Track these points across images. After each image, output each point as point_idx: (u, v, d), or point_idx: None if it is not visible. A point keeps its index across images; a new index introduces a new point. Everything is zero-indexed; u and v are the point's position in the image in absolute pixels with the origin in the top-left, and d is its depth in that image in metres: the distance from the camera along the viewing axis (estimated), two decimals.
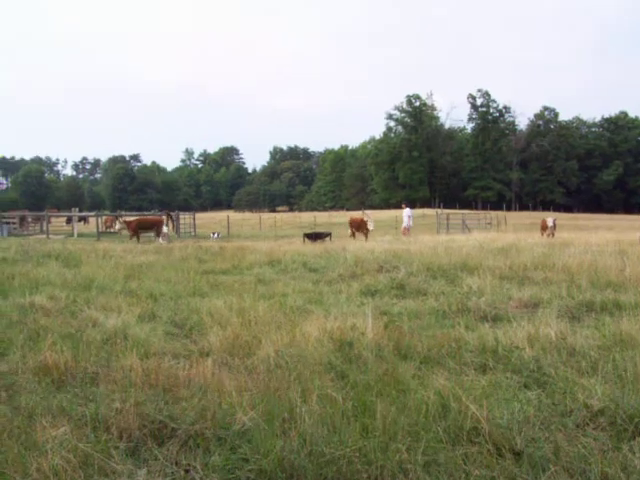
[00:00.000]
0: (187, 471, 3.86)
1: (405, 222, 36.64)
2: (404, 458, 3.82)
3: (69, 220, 46.78)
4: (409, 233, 35.05)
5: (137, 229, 32.72)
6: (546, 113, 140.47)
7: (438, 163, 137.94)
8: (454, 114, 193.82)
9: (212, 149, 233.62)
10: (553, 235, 28.98)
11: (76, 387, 5.40)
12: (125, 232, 33.97)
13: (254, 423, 4.27)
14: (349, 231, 33.06)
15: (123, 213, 48.62)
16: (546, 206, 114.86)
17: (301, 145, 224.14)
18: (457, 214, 57.40)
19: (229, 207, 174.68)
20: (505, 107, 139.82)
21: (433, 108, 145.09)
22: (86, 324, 7.74)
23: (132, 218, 35.98)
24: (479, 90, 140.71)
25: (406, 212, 36.92)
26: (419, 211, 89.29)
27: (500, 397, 4.87)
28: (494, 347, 6.42)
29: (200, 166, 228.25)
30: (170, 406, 4.71)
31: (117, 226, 36.10)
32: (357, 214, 44.34)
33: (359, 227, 32.39)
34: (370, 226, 32.04)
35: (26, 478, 3.51)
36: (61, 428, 4.20)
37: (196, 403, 4.70)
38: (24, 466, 3.64)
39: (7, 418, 4.48)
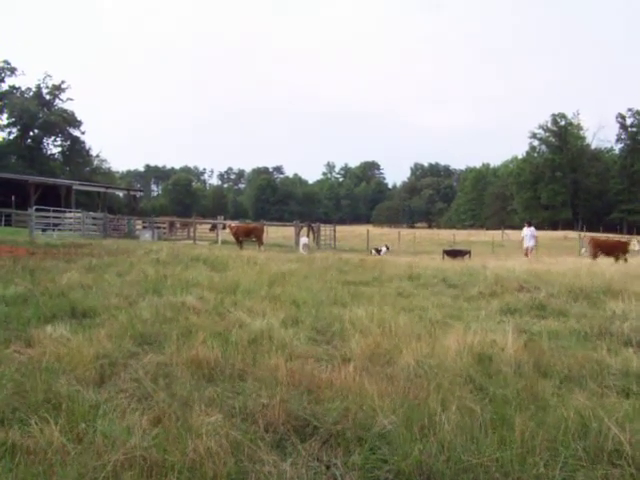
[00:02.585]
0: (328, 467, 4.03)
1: (527, 242, 34.15)
2: (541, 472, 3.82)
3: (213, 227, 48.60)
4: (532, 254, 33.22)
5: (236, 235, 34.02)
6: None
7: (582, 184, 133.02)
8: (601, 134, 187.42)
9: (353, 163, 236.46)
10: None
11: (225, 381, 5.69)
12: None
13: (394, 426, 4.38)
14: (587, 251, 30.89)
15: (234, 221, 50.23)
16: None
17: (442, 162, 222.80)
18: (601, 237, 55.18)
19: (368, 221, 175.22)
20: None
21: (579, 128, 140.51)
22: (233, 325, 8.07)
23: (234, 224, 37.64)
24: (629, 109, 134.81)
25: (530, 231, 34.55)
26: (560, 233, 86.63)
27: None
28: (638, 372, 6.24)
29: (341, 180, 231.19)
30: (313, 405, 4.90)
31: (226, 230, 37.95)
32: (599, 235, 42.10)
33: (612, 250, 29.47)
34: (636, 246, 29.95)
35: (184, 456, 3.79)
36: (214, 416, 4.48)
37: (338, 404, 4.86)
38: (182, 446, 3.93)
39: (166, 403, 4.83)
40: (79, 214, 47.54)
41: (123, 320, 8.18)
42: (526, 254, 32.93)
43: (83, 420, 4.43)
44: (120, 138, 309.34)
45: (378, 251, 37.42)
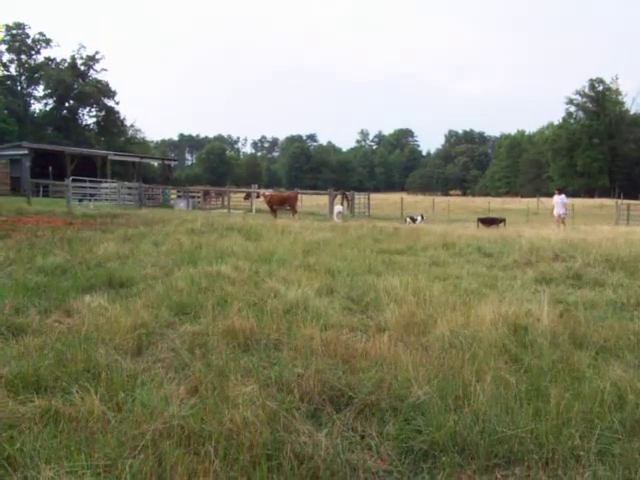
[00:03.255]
0: (363, 437, 4.07)
1: (558, 210, 33.03)
2: (577, 444, 3.83)
3: (248, 196, 48.66)
4: (562, 222, 32.29)
5: (270, 203, 34.13)
6: None
7: (620, 151, 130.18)
8: None
9: (387, 131, 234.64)
10: None
11: (260, 351, 5.75)
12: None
13: (428, 397, 4.41)
14: None
15: (267, 190, 50.34)
16: None
17: (477, 129, 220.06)
18: (639, 205, 54.38)
19: (402, 189, 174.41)
20: None
21: (617, 93, 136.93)
22: (268, 294, 8.13)
23: (268, 193, 37.75)
24: None
25: (560, 199, 33.24)
26: (597, 201, 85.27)
27: None
28: None
29: (375, 147, 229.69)
30: (348, 375, 4.93)
31: (260, 198, 38.16)
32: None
33: None
34: None
35: (221, 426, 3.85)
36: (250, 386, 4.54)
37: (373, 374, 4.89)
38: (219, 416, 3.99)
39: (202, 373, 4.89)
40: (115, 184, 48.04)
41: (159, 290, 8.31)
42: (558, 222, 32.40)
43: (122, 389, 4.52)
44: (154, 108, 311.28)
45: (413, 219, 37.05)
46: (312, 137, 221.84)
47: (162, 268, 10.32)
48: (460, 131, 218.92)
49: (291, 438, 3.85)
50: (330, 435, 3.99)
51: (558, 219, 32.65)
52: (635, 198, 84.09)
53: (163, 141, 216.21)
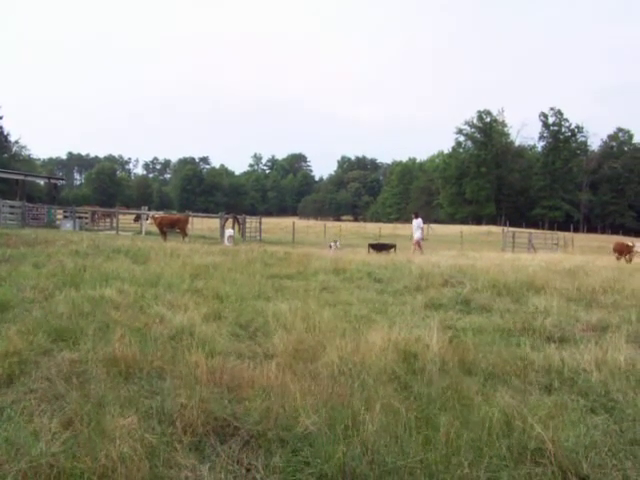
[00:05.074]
0: (248, 470, 3.90)
1: (416, 235, 32.97)
2: (466, 473, 3.78)
3: (137, 218, 47.64)
4: (419, 248, 31.89)
5: (160, 225, 33.73)
6: (620, 135, 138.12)
7: (506, 180, 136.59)
8: (525, 132, 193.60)
9: (280, 155, 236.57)
10: (631, 260, 28.07)
11: (143, 380, 5.49)
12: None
13: (317, 427, 4.29)
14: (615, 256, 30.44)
15: (154, 212, 49.56)
16: (615, 230, 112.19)
17: (369, 156, 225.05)
18: (523, 233, 56.75)
19: (294, 214, 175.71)
20: (577, 127, 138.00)
21: (504, 125, 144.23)
22: (153, 320, 7.85)
23: (158, 215, 37.21)
24: (552, 108, 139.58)
25: (417, 223, 33.46)
26: (485, 228, 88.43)
27: (566, 419, 4.74)
28: (560, 368, 6.31)
29: (267, 172, 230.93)
30: (234, 405, 4.78)
31: (148, 221, 37.29)
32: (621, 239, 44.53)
33: (622, 252, 30.70)
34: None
35: (95, 463, 3.59)
36: (129, 418, 4.28)
37: (259, 404, 4.74)
38: (94, 451, 3.72)
39: (78, 404, 4.59)
40: None
41: (37, 315, 7.86)
42: (416, 246, 32.24)
43: None
44: (42, 125, 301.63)
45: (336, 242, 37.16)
46: (205, 160, 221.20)
47: (42, 291, 9.79)
48: (353, 157, 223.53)
49: (171, 474, 3.67)
50: (213, 469, 3.82)
51: (416, 245, 32.50)
52: (520, 226, 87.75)
53: (51, 159, 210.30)
